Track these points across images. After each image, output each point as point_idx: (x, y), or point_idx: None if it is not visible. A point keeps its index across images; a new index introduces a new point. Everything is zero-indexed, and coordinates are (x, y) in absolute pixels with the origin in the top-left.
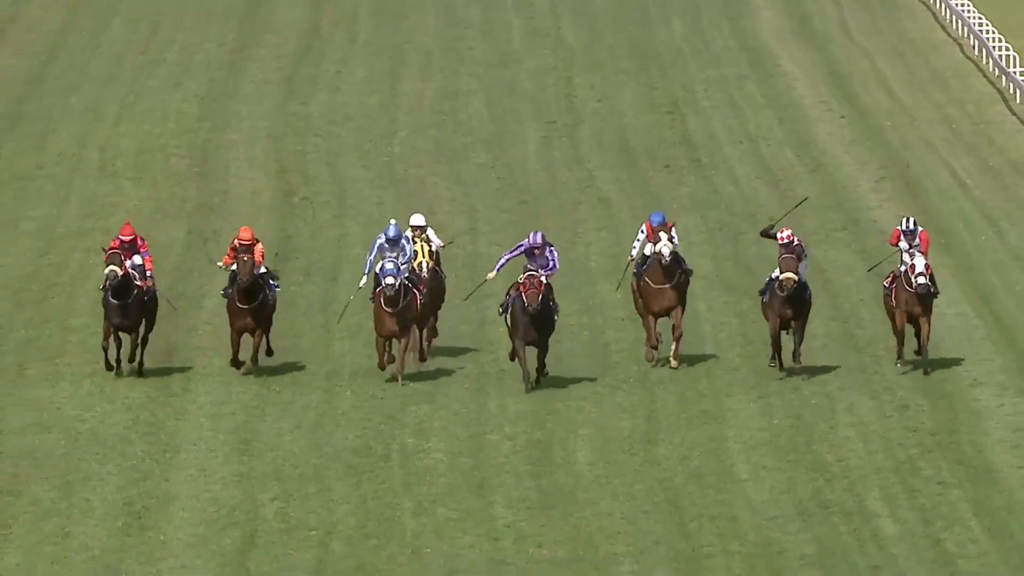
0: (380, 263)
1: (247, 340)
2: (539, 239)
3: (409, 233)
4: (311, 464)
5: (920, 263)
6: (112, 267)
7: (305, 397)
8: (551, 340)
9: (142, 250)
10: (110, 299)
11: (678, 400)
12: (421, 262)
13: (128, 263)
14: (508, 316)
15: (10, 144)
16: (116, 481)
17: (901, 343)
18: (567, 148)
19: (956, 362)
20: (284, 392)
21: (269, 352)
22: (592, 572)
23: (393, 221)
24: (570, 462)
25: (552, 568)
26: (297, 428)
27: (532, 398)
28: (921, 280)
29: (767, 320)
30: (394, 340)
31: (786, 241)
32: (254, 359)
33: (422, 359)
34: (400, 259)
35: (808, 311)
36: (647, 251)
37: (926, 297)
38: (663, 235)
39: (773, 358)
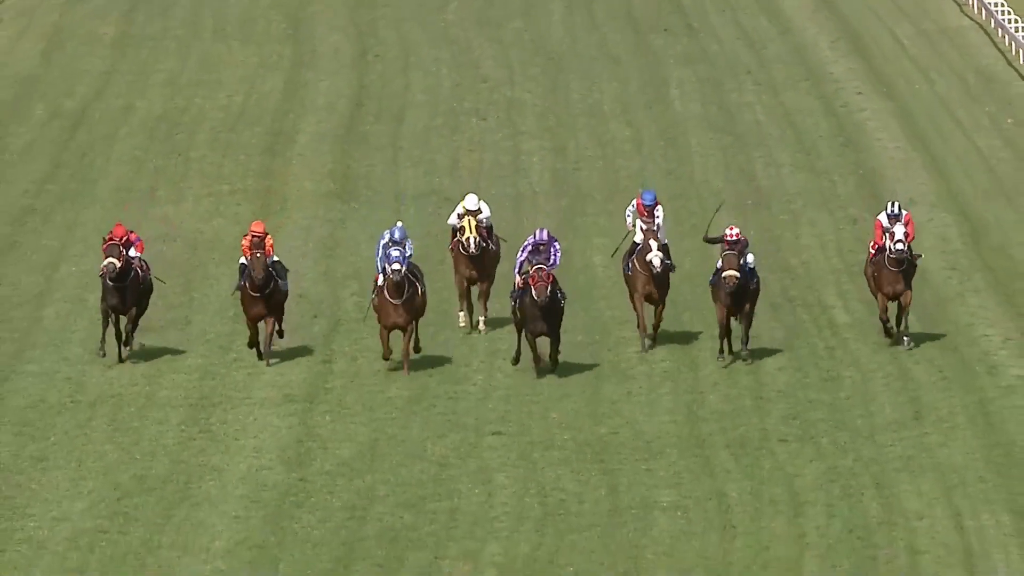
0: (387, 252)
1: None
2: (544, 236)
3: (460, 211)
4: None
5: (900, 231)
6: (111, 259)
7: (378, 212)
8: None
9: (132, 238)
10: (107, 282)
11: (674, 217)
12: (468, 237)
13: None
14: (517, 307)
15: (142, 11)
16: (227, 280)
17: (886, 324)
18: (585, 15)
19: (895, 184)
20: (361, 209)
21: (280, 334)
22: (605, 352)
23: (399, 223)
24: (588, 266)
25: (573, 348)
26: (371, 238)
27: (556, 220)
28: (900, 246)
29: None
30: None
31: (732, 238)
32: (269, 343)
33: (416, 350)
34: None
35: (754, 300)
36: (637, 239)
37: (905, 266)
38: (653, 244)
39: (721, 350)
